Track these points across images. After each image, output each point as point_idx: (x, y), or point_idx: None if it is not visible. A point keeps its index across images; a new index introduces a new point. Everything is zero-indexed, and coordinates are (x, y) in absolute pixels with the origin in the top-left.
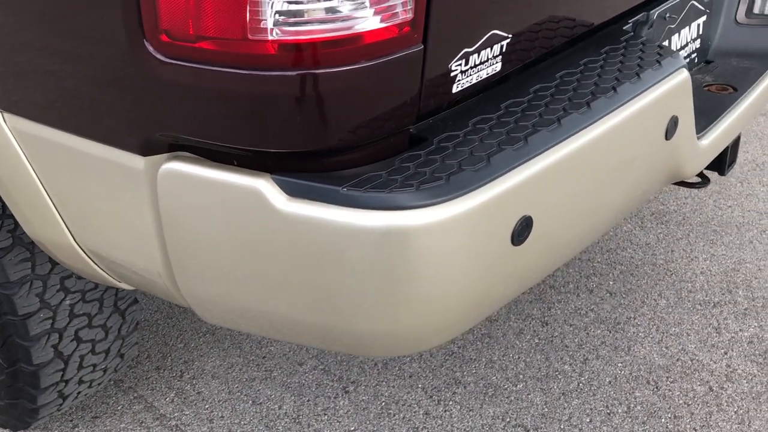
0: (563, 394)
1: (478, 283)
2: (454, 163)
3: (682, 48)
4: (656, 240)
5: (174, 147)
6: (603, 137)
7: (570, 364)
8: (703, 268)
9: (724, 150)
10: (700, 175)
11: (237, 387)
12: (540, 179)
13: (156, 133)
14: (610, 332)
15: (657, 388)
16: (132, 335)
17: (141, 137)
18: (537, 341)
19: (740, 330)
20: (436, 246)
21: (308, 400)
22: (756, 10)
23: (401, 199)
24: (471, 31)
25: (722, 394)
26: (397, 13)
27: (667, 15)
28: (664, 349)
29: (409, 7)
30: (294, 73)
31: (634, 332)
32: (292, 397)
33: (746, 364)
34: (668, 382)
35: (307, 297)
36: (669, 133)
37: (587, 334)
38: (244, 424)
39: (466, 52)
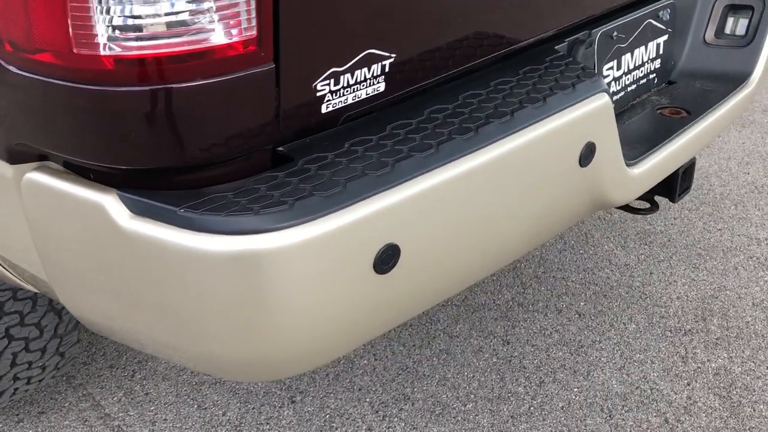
0: (512, 417)
1: (335, 312)
2: (307, 187)
3: (636, 68)
4: (636, 261)
5: (43, 157)
6: (489, 165)
7: (525, 386)
8: (680, 293)
9: (674, 176)
10: (650, 200)
11: (185, 390)
12: (408, 207)
13: (13, 143)
14: (571, 355)
15: (610, 416)
16: (72, 334)
17: (3, 145)
18: (495, 360)
19: (708, 360)
20: (265, 273)
21: (253, 408)
22: (727, 30)
23: (234, 223)
24: (339, 50)
25: (678, 427)
26: (239, 30)
27: (615, 34)
28: (624, 376)
29: (251, 24)
30: (125, 89)
31: (596, 356)
32: (238, 404)
33: (708, 397)
34: (623, 411)
35: (159, 317)
36: (584, 160)
37: (548, 355)
38: (186, 428)
39: (335, 71)
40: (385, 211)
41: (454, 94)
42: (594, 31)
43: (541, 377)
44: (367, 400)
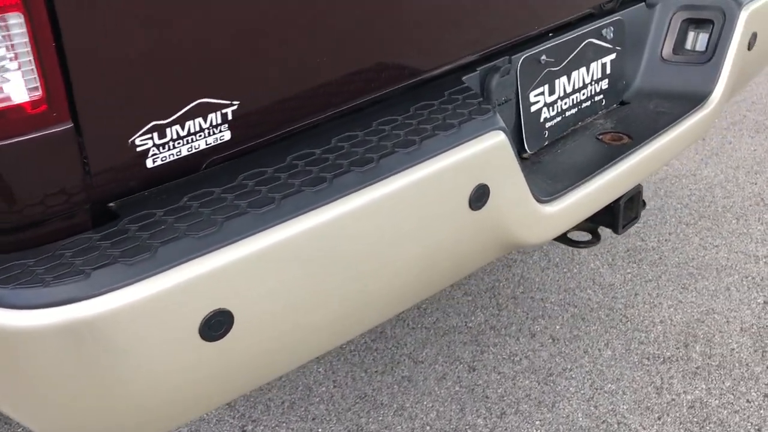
0: None
1: (156, 383)
2: (115, 252)
3: (576, 91)
4: (622, 281)
5: None
6: (342, 218)
7: (484, 418)
8: (664, 316)
9: (615, 206)
10: (592, 231)
11: None
12: (240, 269)
13: None
14: (539, 384)
15: None
16: None
17: None
18: (457, 389)
19: (684, 392)
20: (47, 349)
21: None
22: (688, 45)
23: (20, 296)
24: (159, 103)
25: None
26: (23, 91)
27: (542, 58)
28: (592, 408)
29: (36, 85)
30: None
31: (564, 386)
32: None
33: None
34: None
35: None
36: (475, 203)
37: (514, 384)
38: None
39: (157, 125)
40: (208, 275)
41: (327, 136)
42: (515, 57)
43: (503, 408)
44: (320, 430)
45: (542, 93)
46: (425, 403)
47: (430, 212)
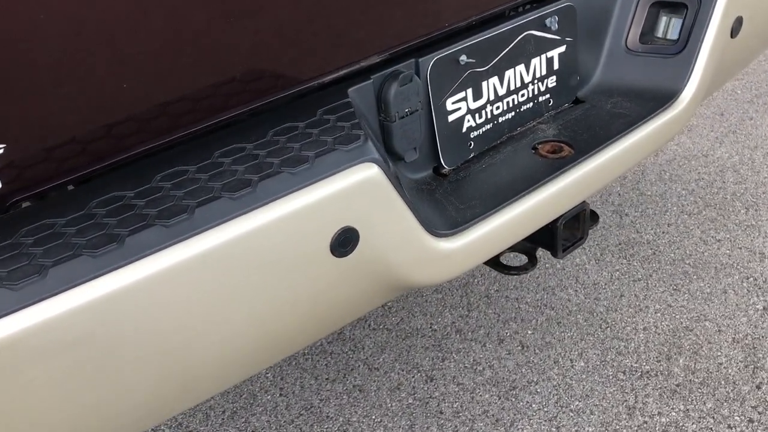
0: None
1: None
2: None
3: (512, 93)
4: (608, 279)
5: None
6: (145, 283)
7: None
8: (649, 322)
9: (553, 228)
10: (529, 254)
11: None
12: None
13: None
14: (499, 399)
15: None
16: None
17: None
18: (410, 402)
19: (659, 413)
20: None
21: None
22: (659, 33)
23: None
24: None
25: None
26: None
27: (462, 58)
28: (554, 429)
29: None
30: None
31: (527, 402)
32: None
33: None
34: None
35: None
36: (339, 249)
37: (472, 398)
38: None
39: None
40: None
41: (148, 174)
42: (423, 60)
43: (456, 426)
44: None
45: (464, 99)
46: (373, 417)
47: (280, 263)
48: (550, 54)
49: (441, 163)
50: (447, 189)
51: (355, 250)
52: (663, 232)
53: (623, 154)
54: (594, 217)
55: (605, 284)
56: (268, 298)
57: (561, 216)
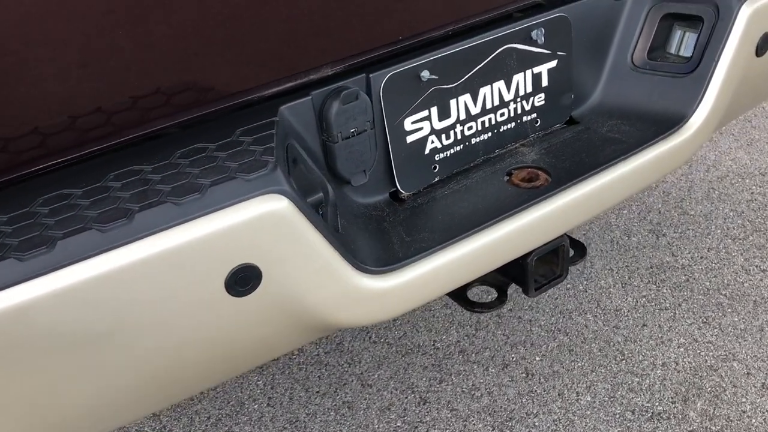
0: None
1: None
2: None
3: (487, 113)
4: (632, 306)
5: None
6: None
7: None
8: (669, 357)
9: (522, 263)
10: (499, 290)
11: None
12: None
13: None
14: (493, 430)
15: None
16: None
17: None
18: (398, 425)
19: None
20: None
21: None
22: (671, 49)
23: None
24: None
25: None
26: None
27: (425, 74)
28: None
29: None
30: None
31: None
32: None
33: None
34: None
35: None
36: (237, 287)
37: (464, 427)
38: None
39: None
40: None
41: (28, 197)
42: (376, 75)
43: None
44: None
45: (426, 118)
46: None
47: (166, 302)
48: (537, 70)
49: (397, 188)
50: (399, 217)
51: (258, 289)
52: (701, 257)
53: (610, 185)
54: (580, 251)
55: (628, 311)
56: (154, 338)
57: (532, 252)
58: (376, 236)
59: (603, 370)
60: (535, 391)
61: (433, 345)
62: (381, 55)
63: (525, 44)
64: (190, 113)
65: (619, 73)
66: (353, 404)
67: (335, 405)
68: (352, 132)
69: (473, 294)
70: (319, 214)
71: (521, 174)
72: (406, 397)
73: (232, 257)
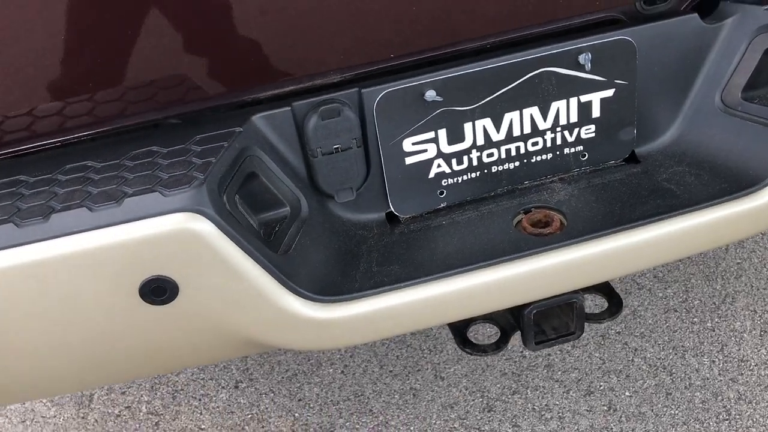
0: None
1: None
2: None
3: (514, 140)
4: (763, 361)
5: None
6: None
7: None
8: None
9: (518, 314)
10: (502, 331)
11: None
12: None
13: None
14: None
15: None
16: None
17: None
18: (455, 426)
19: None
20: None
21: None
22: None
23: None
24: None
25: None
26: None
27: (429, 94)
28: None
29: None
30: None
31: None
32: None
33: None
34: None
35: None
36: (152, 296)
37: None
38: None
39: None
40: None
41: None
42: (368, 91)
43: None
44: (296, 413)
45: (432, 140)
46: (411, 428)
47: (80, 298)
48: (585, 98)
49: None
50: (382, 242)
51: (176, 300)
52: None
53: (632, 248)
54: (614, 305)
55: (755, 365)
56: (74, 328)
57: (530, 304)
58: (345, 260)
59: (697, 426)
60: (611, 428)
61: (521, 352)
62: (376, 70)
63: (569, 69)
64: (159, 112)
65: (703, 111)
66: (419, 393)
67: (402, 389)
68: (335, 148)
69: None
70: (274, 229)
71: (536, 216)
72: (474, 400)
73: (144, 268)
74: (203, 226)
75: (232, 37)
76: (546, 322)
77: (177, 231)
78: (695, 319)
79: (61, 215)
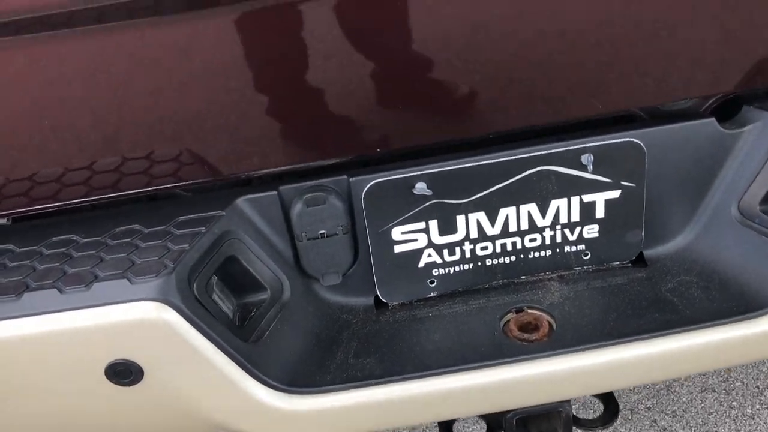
0: None
1: None
2: None
3: (509, 235)
4: None
5: None
6: None
7: None
8: None
9: (501, 419)
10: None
11: None
12: None
13: None
14: None
15: None
16: None
17: None
18: None
19: None
20: None
21: None
22: None
23: None
24: None
25: None
26: None
27: (419, 187)
28: None
29: None
30: None
31: None
32: None
33: None
34: None
35: None
36: (117, 378)
37: None
38: None
39: None
40: None
41: None
42: (356, 180)
43: None
44: None
45: (423, 230)
46: None
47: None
48: (588, 198)
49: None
50: (364, 329)
51: (141, 383)
52: None
53: (623, 365)
54: (610, 411)
55: None
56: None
57: (510, 411)
58: (323, 347)
59: None
60: None
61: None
62: (366, 158)
63: (570, 168)
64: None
65: (718, 220)
66: None
67: None
68: (321, 234)
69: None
70: (251, 313)
71: (525, 318)
72: None
73: (109, 351)
74: (168, 316)
75: (226, 122)
76: (533, 424)
77: (141, 319)
78: (734, 403)
79: (32, 294)
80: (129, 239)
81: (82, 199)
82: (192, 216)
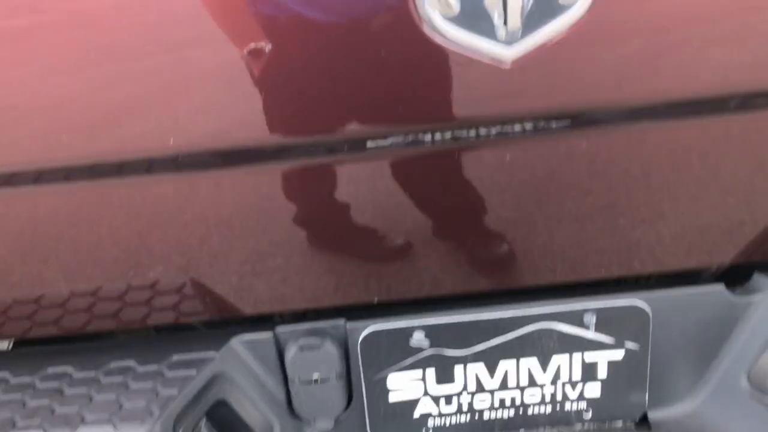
0: None
1: None
2: None
3: (508, 389)
4: None
5: None
6: None
7: None
8: None
9: None
10: None
11: None
12: None
13: None
14: None
15: None
16: None
17: None
18: None
19: None
20: None
21: None
22: None
23: None
24: None
25: None
26: None
27: (416, 338)
28: None
29: None
30: None
31: None
32: None
33: None
34: None
35: None
36: None
37: None
38: None
39: None
40: None
41: None
42: (353, 326)
43: None
44: None
45: (419, 380)
46: None
47: None
48: (590, 357)
49: None
50: None
51: None
52: None
53: None
54: None
55: None
56: None
57: None
58: None
59: None
60: None
61: None
62: (362, 306)
63: (572, 326)
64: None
65: (726, 389)
66: None
67: None
68: (314, 379)
69: None
70: None
71: None
72: None
73: None
74: None
75: (224, 269)
76: None
77: None
78: None
79: None
80: (121, 377)
81: (80, 330)
82: (185, 356)
